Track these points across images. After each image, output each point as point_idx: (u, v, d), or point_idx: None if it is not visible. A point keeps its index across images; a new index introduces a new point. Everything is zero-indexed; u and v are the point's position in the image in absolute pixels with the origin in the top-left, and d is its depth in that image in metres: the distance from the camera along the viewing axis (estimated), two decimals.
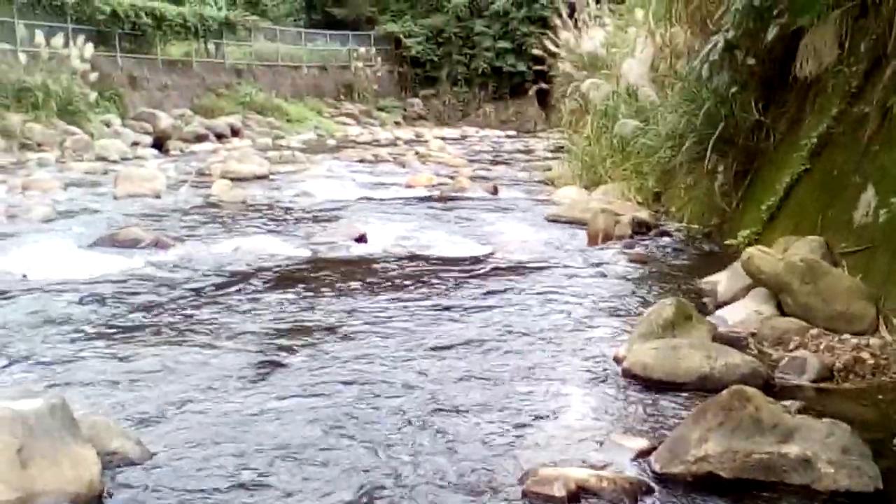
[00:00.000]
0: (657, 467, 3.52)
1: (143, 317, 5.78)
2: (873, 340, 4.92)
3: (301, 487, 3.37)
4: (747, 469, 3.42)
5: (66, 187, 12.84)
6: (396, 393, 4.37)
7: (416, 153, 19.97)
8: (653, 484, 3.42)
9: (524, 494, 3.30)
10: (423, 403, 4.23)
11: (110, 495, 3.30)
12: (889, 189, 5.37)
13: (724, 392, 3.64)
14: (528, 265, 7.47)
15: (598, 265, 7.45)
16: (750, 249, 5.85)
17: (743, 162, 8.15)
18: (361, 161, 18.22)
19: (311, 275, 7.07)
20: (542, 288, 6.61)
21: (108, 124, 21.62)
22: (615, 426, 4.01)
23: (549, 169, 15.08)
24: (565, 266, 7.44)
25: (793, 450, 3.43)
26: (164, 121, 23.03)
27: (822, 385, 4.56)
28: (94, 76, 22.36)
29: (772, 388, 4.36)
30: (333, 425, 3.95)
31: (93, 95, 21.91)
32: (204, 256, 7.75)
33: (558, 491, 3.25)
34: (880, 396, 4.44)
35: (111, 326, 5.54)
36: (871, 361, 4.72)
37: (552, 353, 5.06)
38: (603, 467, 3.52)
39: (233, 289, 6.56)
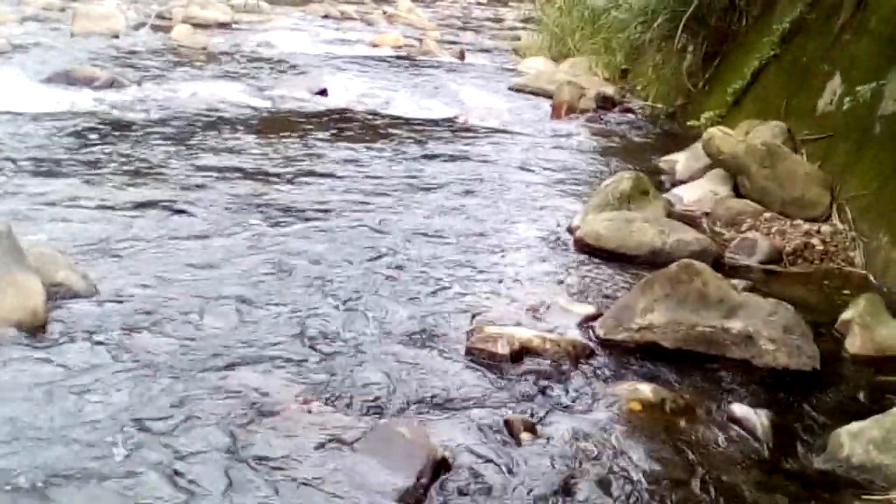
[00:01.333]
0: (601, 333, 3.56)
1: (96, 154, 5.67)
2: (825, 227, 4.97)
3: (248, 331, 3.36)
4: (690, 341, 3.47)
5: (21, 21, 12.41)
6: (349, 246, 4.36)
7: (384, 13, 19.55)
8: (595, 348, 3.46)
9: (468, 350, 3.33)
10: (376, 257, 4.23)
11: (53, 325, 3.27)
12: (856, 78, 5.34)
13: (673, 265, 3.66)
14: (490, 132, 7.42)
15: (559, 137, 7.42)
16: (711, 129, 5.84)
17: (713, 43, 8.06)
18: (327, 17, 17.77)
19: (269, 124, 6.98)
20: (503, 155, 6.57)
21: None
22: (563, 292, 4.04)
23: (518, 38, 14.84)
24: (527, 135, 7.40)
25: (736, 325, 3.48)
26: None
27: (771, 267, 4.62)
28: None
29: (721, 267, 4.39)
30: (284, 272, 3.94)
31: None
32: (160, 99, 7.59)
33: (502, 348, 3.28)
34: (826, 282, 4.51)
35: (63, 162, 5.44)
36: (821, 248, 4.78)
37: (507, 219, 5.07)
38: (548, 329, 3.55)
39: (189, 132, 6.46)
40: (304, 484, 2.49)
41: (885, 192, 4.80)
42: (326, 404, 2.90)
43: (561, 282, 4.19)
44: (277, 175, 5.50)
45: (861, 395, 3.34)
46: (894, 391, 3.29)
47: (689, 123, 7.52)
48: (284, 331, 3.38)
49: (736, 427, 2.98)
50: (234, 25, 14.27)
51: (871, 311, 3.78)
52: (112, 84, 7.91)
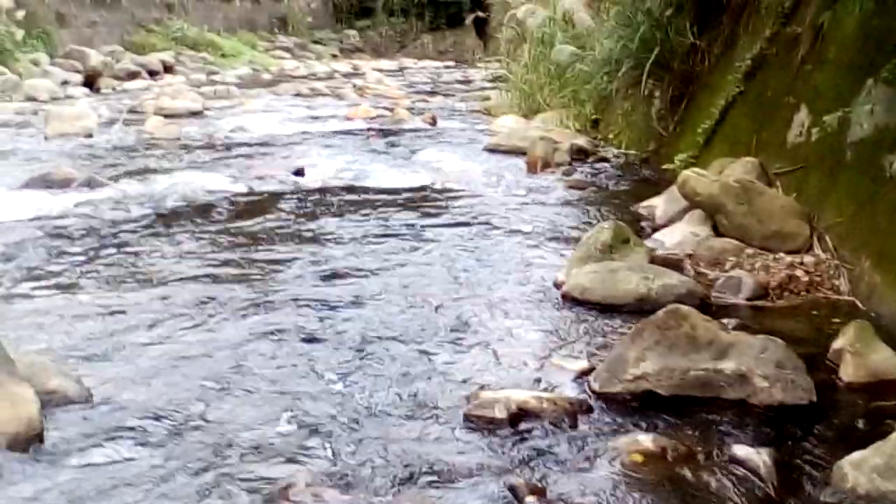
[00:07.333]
0: (596, 387, 3.57)
1: (79, 256, 5.68)
2: (807, 258, 5.01)
3: (242, 422, 3.35)
4: (684, 386, 3.48)
5: None
6: (338, 322, 4.36)
7: (354, 86, 19.71)
8: (592, 403, 3.47)
9: (466, 418, 3.33)
10: (365, 330, 4.23)
11: (51, 433, 3.26)
12: (822, 108, 5.42)
13: (661, 311, 3.69)
14: (467, 194, 7.46)
15: (537, 192, 7.47)
16: (686, 172, 5.89)
17: (679, 86, 8.17)
18: (298, 95, 17.94)
19: (250, 208, 7.00)
20: (482, 216, 6.61)
21: (36, 63, 20.94)
22: (555, 349, 4.05)
23: (488, 98, 14.96)
24: (505, 194, 7.45)
25: (728, 365, 3.50)
26: (94, 58, 22.33)
27: (758, 303, 4.65)
28: (20, 14, 21.65)
29: (708, 308, 4.42)
30: (275, 359, 3.94)
31: (20, 34, 21.22)
32: (139, 194, 7.61)
33: (499, 413, 3.29)
34: (814, 312, 4.53)
35: (47, 266, 5.43)
36: (805, 279, 4.81)
37: (492, 279, 5.09)
38: (543, 389, 3.56)
39: (170, 226, 6.47)
40: None
41: (862, 217, 4.85)
42: (332, 488, 2.90)
43: (551, 338, 4.20)
44: (260, 260, 5.52)
45: (860, 424, 3.36)
46: (892, 416, 3.30)
47: (663, 167, 7.59)
48: (283, 418, 3.38)
49: (739, 468, 2.98)
50: (206, 113, 14.36)
51: (861, 338, 3.80)
52: (90, 184, 7.92)
